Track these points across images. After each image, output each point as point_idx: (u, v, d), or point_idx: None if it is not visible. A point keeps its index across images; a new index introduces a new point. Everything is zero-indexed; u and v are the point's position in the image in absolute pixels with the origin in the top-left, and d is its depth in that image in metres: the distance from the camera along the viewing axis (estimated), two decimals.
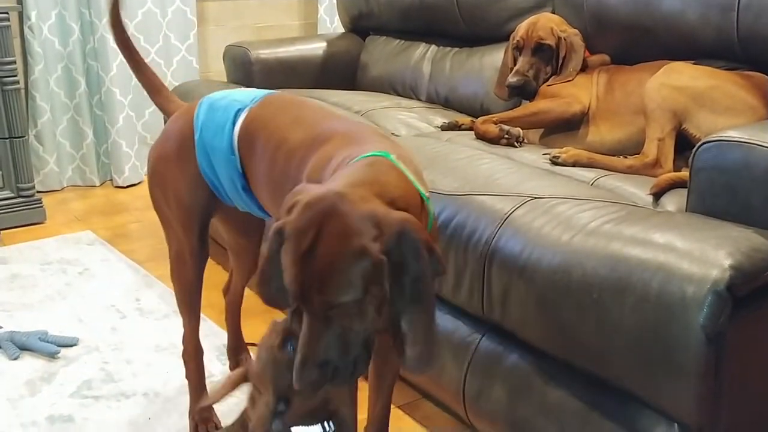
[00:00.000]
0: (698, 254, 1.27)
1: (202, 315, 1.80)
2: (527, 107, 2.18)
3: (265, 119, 1.45)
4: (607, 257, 1.36)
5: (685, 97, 1.80)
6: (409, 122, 2.49)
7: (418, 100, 2.90)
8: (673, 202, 1.62)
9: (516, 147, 2.07)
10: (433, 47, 2.96)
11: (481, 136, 2.13)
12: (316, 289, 1.04)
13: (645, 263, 1.31)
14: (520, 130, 2.09)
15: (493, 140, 2.09)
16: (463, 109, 2.70)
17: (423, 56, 2.96)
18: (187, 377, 1.81)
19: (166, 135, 1.61)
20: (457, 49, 2.86)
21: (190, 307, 1.75)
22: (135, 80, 3.60)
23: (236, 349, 2.04)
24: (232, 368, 1.97)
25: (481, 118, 2.19)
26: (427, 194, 1.22)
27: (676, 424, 1.30)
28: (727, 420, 1.30)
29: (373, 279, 1.04)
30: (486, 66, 2.70)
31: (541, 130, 2.18)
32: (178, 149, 1.57)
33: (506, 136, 2.07)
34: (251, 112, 1.48)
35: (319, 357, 1.06)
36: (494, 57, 2.69)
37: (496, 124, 2.12)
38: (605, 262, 1.36)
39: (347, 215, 1.05)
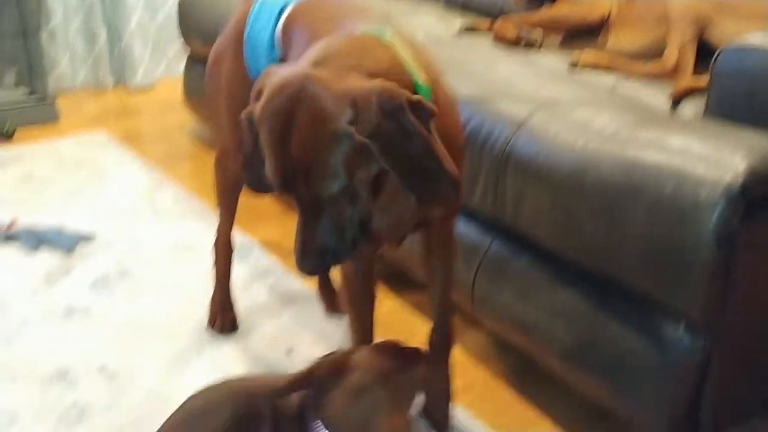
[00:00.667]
0: (713, 158, 1.27)
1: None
2: (548, 11, 2.14)
3: (303, 15, 1.43)
4: (622, 162, 1.36)
5: (708, 4, 1.77)
6: (427, 26, 2.44)
7: (437, 2, 2.84)
8: (692, 108, 1.61)
9: (533, 49, 2.03)
10: None
11: (500, 39, 2.10)
12: (300, 181, 1.02)
13: (660, 167, 1.31)
14: (540, 33, 2.06)
15: (511, 43, 2.06)
16: (481, 13, 2.64)
17: None
18: (214, 267, 1.86)
19: (225, 29, 1.64)
20: None
21: (228, 202, 1.78)
22: None
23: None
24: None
25: (500, 20, 2.16)
26: (425, 83, 1.12)
27: (683, 324, 1.33)
28: (734, 320, 1.33)
29: (357, 163, 1.01)
30: None
31: (561, 35, 2.14)
32: (230, 44, 1.58)
33: (524, 38, 2.04)
34: (293, 9, 1.47)
35: (317, 244, 1.05)
36: None
37: (515, 26, 2.09)
38: (620, 167, 1.36)
39: (318, 98, 0.99)
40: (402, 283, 2.07)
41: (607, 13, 2.06)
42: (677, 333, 1.32)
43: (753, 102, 1.38)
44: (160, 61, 3.73)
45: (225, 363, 1.73)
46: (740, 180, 1.22)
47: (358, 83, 1.01)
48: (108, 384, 1.66)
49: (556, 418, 1.60)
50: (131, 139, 3.07)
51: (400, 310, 1.98)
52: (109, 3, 3.55)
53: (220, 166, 1.73)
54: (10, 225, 2.22)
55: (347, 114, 0.99)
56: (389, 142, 1.01)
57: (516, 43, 2.05)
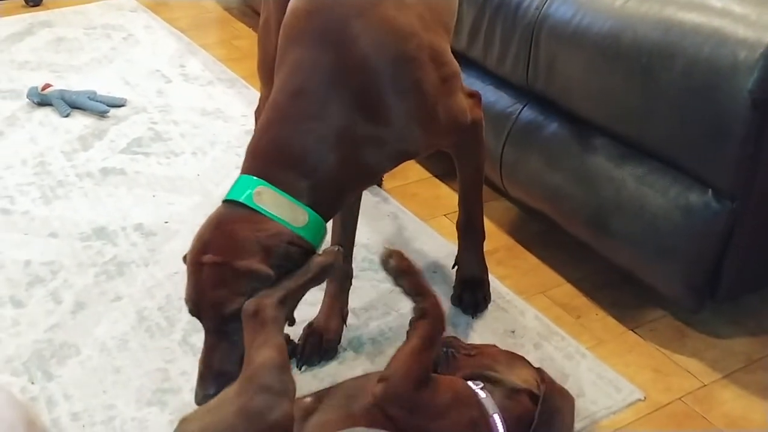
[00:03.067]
0: (754, 18, 1.23)
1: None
2: None
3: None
4: (660, 22, 1.33)
5: None
6: None
7: None
8: None
9: None
10: None
11: None
12: (206, 307, 1.10)
13: (698, 27, 1.27)
14: None
15: None
16: None
17: None
18: None
19: None
20: None
21: (268, 74, 1.77)
22: None
23: None
24: None
25: None
26: (301, 223, 1.14)
27: (710, 190, 1.33)
28: (762, 189, 1.33)
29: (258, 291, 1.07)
30: None
31: None
32: None
33: None
34: None
35: (215, 370, 1.11)
36: None
37: None
38: (657, 27, 1.33)
39: (228, 235, 1.10)
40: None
41: None
42: (704, 198, 1.33)
43: None
44: None
45: None
46: None
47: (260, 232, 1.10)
48: (145, 241, 1.71)
49: (578, 282, 1.63)
50: (160, 5, 3.04)
51: (427, 180, 2.00)
52: None
53: (262, 38, 1.72)
54: (44, 87, 2.24)
55: (255, 250, 1.08)
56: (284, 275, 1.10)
57: None
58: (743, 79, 1.21)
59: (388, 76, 1.15)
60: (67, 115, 2.19)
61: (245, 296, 1.06)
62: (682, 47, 1.29)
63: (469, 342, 1.35)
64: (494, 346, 1.24)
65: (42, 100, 2.23)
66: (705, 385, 1.39)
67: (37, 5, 2.98)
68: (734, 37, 1.23)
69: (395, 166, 1.28)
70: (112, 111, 2.22)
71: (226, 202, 1.15)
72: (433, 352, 1.09)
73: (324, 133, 1.14)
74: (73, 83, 2.36)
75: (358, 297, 1.54)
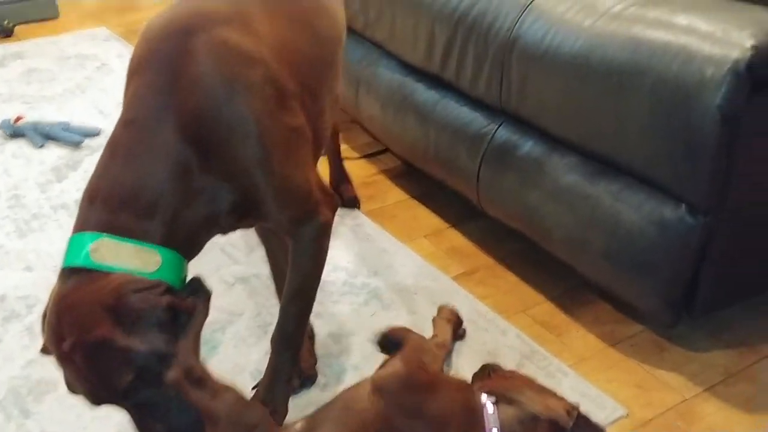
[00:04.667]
0: (720, 35, 1.25)
1: None
2: None
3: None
4: (629, 41, 1.35)
5: None
6: None
7: None
8: None
9: None
10: None
11: None
12: (100, 392, 1.00)
13: (666, 45, 1.29)
14: None
15: None
16: None
17: None
18: None
19: None
20: None
21: None
22: None
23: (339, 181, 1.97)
24: None
25: None
26: (152, 267, 1.01)
27: (684, 205, 1.34)
28: (734, 201, 1.34)
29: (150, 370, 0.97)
30: None
31: None
32: None
33: None
34: None
35: None
36: None
37: None
38: (626, 46, 1.35)
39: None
40: (408, 174, 2.08)
41: None
42: (678, 214, 1.34)
43: None
44: None
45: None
46: (747, 57, 1.21)
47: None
48: None
49: (558, 299, 1.64)
50: (133, 34, 3.03)
51: (405, 202, 2.00)
52: None
53: None
54: (16, 120, 2.22)
55: (102, 319, 0.96)
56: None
57: None
58: (712, 95, 1.22)
59: (222, 100, 1.04)
60: (41, 147, 2.17)
61: (132, 360, 0.96)
62: (651, 65, 1.30)
63: (452, 365, 1.35)
64: (533, 379, 1.21)
65: (15, 131, 2.22)
66: (686, 400, 1.40)
67: (9, 36, 2.96)
68: (701, 54, 1.25)
69: (237, 217, 1.12)
70: (87, 141, 2.21)
71: (63, 271, 1.02)
72: (426, 355, 1.10)
73: (156, 165, 1.02)
74: (47, 114, 2.34)
75: (338, 322, 1.54)
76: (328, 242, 1.22)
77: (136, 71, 1.08)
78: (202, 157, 1.04)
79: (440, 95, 1.83)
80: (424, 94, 1.87)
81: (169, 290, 0.99)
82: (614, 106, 1.37)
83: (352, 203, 1.94)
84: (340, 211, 1.91)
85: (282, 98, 1.10)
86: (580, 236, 1.50)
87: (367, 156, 2.19)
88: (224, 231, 1.13)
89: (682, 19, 1.32)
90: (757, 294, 1.56)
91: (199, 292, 1.04)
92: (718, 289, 1.44)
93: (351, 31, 2.09)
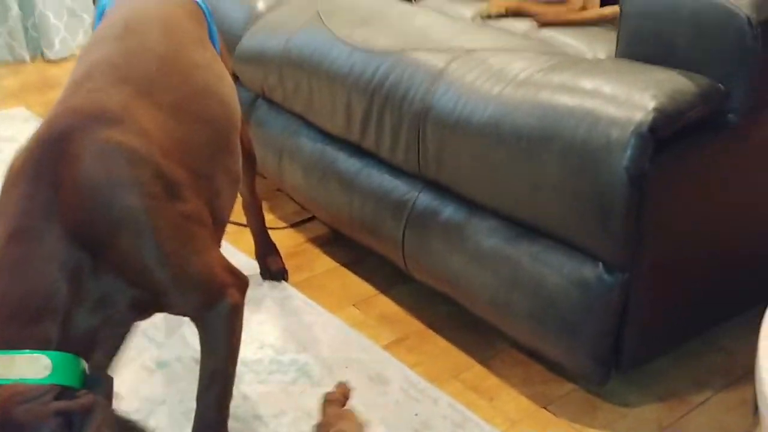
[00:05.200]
0: (623, 98, 1.29)
1: None
2: None
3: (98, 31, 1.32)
4: (536, 106, 1.38)
5: None
6: None
7: None
8: (604, 48, 1.63)
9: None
10: None
11: None
12: None
13: (572, 110, 1.32)
14: None
15: None
16: None
17: None
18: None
19: None
20: None
21: None
22: None
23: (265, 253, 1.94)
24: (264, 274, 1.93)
25: None
26: (44, 373, 0.95)
27: (601, 264, 1.36)
28: (651, 258, 1.37)
29: None
30: None
31: None
32: None
33: None
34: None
35: None
36: None
37: None
38: (534, 112, 1.37)
39: None
40: (336, 241, 2.07)
41: None
42: (596, 273, 1.36)
43: (660, 41, 1.40)
44: (77, 31, 3.61)
45: None
46: (649, 119, 1.25)
47: None
48: None
49: (489, 362, 1.63)
50: None
51: (334, 270, 1.98)
52: None
53: None
54: None
55: None
56: None
57: None
58: (618, 157, 1.25)
59: (110, 201, 1.02)
60: None
61: None
62: (559, 130, 1.33)
63: None
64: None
65: None
66: None
67: None
68: (606, 117, 1.28)
69: (141, 310, 1.09)
70: None
71: None
72: None
73: (44, 272, 0.98)
74: None
75: (267, 403, 1.50)
76: (241, 324, 1.20)
77: (14, 183, 1.03)
78: (95, 258, 1.01)
79: (362, 163, 1.84)
80: (345, 162, 1.87)
81: (63, 394, 0.94)
82: (526, 170, 1.39)
83: (280, 275, 1.92)
84: (267, 285, 1.90)
85: (173, 190, 1.09)
86: (505, 299, 1.50)
87: (294, 225, 2.18)
88: (127, 326, 1.10)
89: (586, 83, 1.36)
90: (681, 343, 1.59)
91: (96, 386, 0.99)
92: (642, 342, 1.45)
93: (271, 102, 2.10)
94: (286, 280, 1.92)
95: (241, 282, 1.19)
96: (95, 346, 1.04)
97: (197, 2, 1.46)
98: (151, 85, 1.16)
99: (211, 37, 1.46)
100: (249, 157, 1.76)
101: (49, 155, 1.02)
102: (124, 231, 1.02)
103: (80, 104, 1.09)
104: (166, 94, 1.17)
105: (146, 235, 1.04)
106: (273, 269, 1.92)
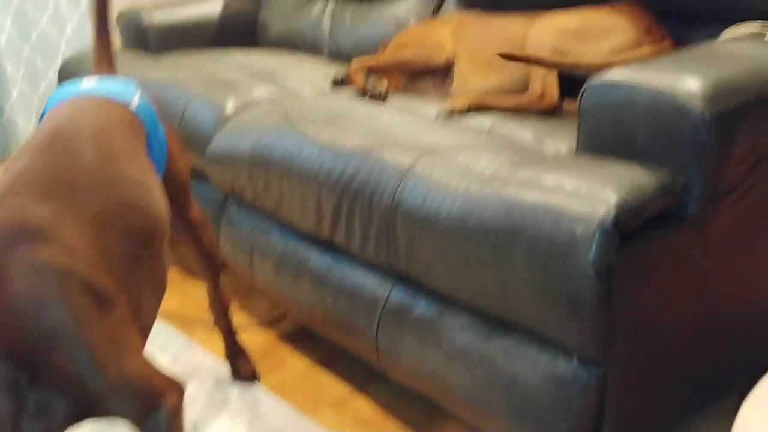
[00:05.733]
0: (585, 193, 1.31)
1: None
2: (397, 55, 2.20)
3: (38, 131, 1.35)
4: (502, 202, 1.40)
5: (561, 34, 1.86)
6: (311, 80, 2.47)
7: (321, 56, 2.87)
8: (566, 144, 1.67)
9: (378, 101, 2.05)
10: (333, 2, 2.93)
11: (353, 85, 2.16)
12: None
13: (536, 206, 1.35)
14: (385, 85, 2.09)
15: (359, 92, 2.10)
16: None
17: (323, 12, 2.93)
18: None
19: None
20: (356, 3, 2.84)
21: None
22: (27, 52, 3.47)
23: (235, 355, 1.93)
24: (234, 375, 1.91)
25: (354, 62, 2.20)
26: None
27: (575, 358, 1.35)
28: (624, 350, 1.37)
29: None
30: (386, 18, 2.69)
31: (405, 78, 2.22)
32: None
33: (370, 91, 2.07)
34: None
35: None
36: (394, 9, 2.69)
37: (367, 71, 2.14)
38: (500, 208, 1.39)
39: None
40: (309, 339, 2.05)
41: (452, 57, 2.13)
42: (571, 367, 1.35)
43: (619, 136, 1.43)
44: None
45: None
46: (612, 213, 1.27)
47: None
48: None
49: None
50: None
51: (308, 370, 1.95)
52: None
53: None
54: None
55: None
56: None
57: (363, 94, 2.09)
58: (584, 252, 1.27)
59: (40, 318, 1.03)
60: None
61: None
62: (525, 225, 1.35)
63: None
64: None
65: None
66: None
67: None
68: (570, 212, 1.30)
69: (79, 418, 1.10)
70: None
71: None
72: None
73: None
74: None
75: None
76: (182, 427, 1.19)
77: None
78: (31, 373, 1.02)
79: (333, 260, 1.84)
80: (317, 259, 1.87)
81: None
82: (495, 265, 1.40)
83: (251, 377, 1.89)
84: (238, 387, 1.87)
85: (101, 301, 1.11)
86: (482, 397, 1.49)
87: (267, 323, 2.15)
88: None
89: (549, 179, 1.38)
90: None
91: None
92: None
93: (241, 202, 2.11)
94: (258, 381, 1.89)
95: (177, 385, 1.20)
96: None
97: (136, 112, 1.48)
98: (76, 199, 1.18)
99: (150, 145, 1.48)
100: (211, 259, 1.80)
101: None
102: (57, 346, 1.04)
103: (5, 219, 1.10)
104: (91, 208, 1.19)
105: (79, 348, 1.05)
106: (243, 371, 1.89)
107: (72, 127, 1.32)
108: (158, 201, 1.38)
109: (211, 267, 1.80)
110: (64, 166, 1.22)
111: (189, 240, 1.75)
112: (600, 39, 1.85)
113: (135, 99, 1.50)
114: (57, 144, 1.27)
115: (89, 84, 1.49)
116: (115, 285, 1.16)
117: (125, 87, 1.52)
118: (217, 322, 1.90)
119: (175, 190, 1.61)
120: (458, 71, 2.11)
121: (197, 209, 1.75)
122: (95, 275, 1.11)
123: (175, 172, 1.61)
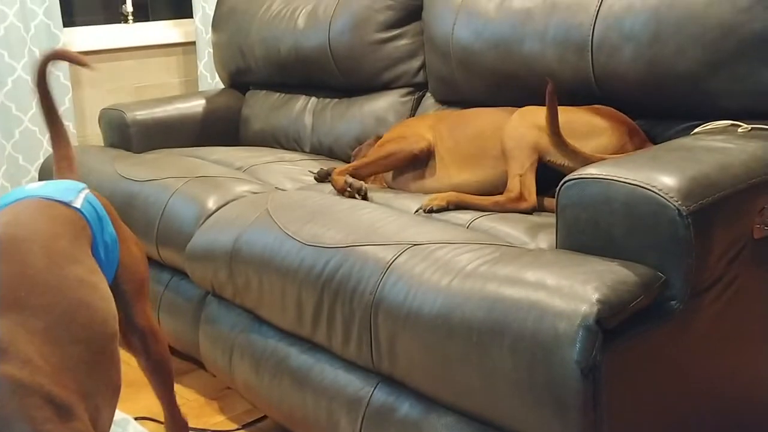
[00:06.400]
0: (567, 290, 1.31)
1: None
2: (378, 151, 2.22)
3: None
4: (484, 299, 1.39)
5: (543, 132, 1.88)
6: (293, 175, 2.49)
7: (303, 152, 2.91)
8: (545, 238, 1.67)
9: (358, 199, 2.04)
10: (314, 99, 2.98)
11: (334, 187, 2.13)
12: None
13: (519, 302, 1.34)
14: (363, 184, 2.08)
15: (339, 192, 2.09)
16: (346, 158, 2.72)
17: (304, 108, 2.98)
18: None
19: None
20: (336, 99, 2.89)
21: None
22: (9, 149, 3.47)
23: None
24: None
25: (337, 169, 2.20)
26: None
27: None
28: None
29: None
30: (366, 114, 2.74)
31: (390, 173, 2.24)
32: None
33: (348, 188, 2.07)
34: None
35: None
36: (374, 105, 2.74)
37: (351, 172, 2.14)
38: (482, 304, 1.38)
39: None
40: None
41: (432, 145, 2.16)
42: None
43: (597, 231, 1.44)
44: None
45: None
46: (594, 310, 1.26)
47: None
48: None
49: None
50: None
51: None
52: None
53: None
54: None
55: None
56: None
57: (342, 191, 2.08)
58: (568, 350, 1.25)
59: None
60: None
61: None
62: (507, 323, 1.34)
63: None
64: None
65: None
66: None
67: None
68: (552, 309, 1.30)
69: None
70: None
71: None
72: None
73: None
74: None
75: None
76: None
77: None
78: None
79: (314, 359, 1.81)
80: (298, 358, 1.84)
81: None
82: (479, 363, 1.38)
83: None
84: None
85: (62, 411, 1.09)
86: None
87: (246, 426, 2.10)
88: None
89: (530, 275, 1.38)
90: None
91: None
92: None
93: (221, 299, 2.09)
94: None
95: None
96: None
97: (79, 210, 1.46)
98: (28, 310, 1.17)
99: (96, 245, 1.46)
100: (163, 373, 1.69)
101: None
102: None
103: None
104: (43, 316, 1.18)
105: None
106: None
107: (16, 233, 1.30)
108: (107, 301, 1.35)
109: (164, 379, 1.69)
110: (11, 277, 1.21)
111: (139, 350, 1.65)
112: (584, 138, 1.87)
113: (79, 198, 1.49)
114: (3, 252, 1.25)
115: (34, 187, 1.49)
116: (73, 393, 1.14)
117: (69, 187, 1.51)
118: None
119: (128, 292, 1.57)
120: (437, 163, 2.14)
121: (148, 316, 1.65)
122: (53, 386, 1.10)
123: (128, 273, 1.58)
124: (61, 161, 1.69)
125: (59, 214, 1.42)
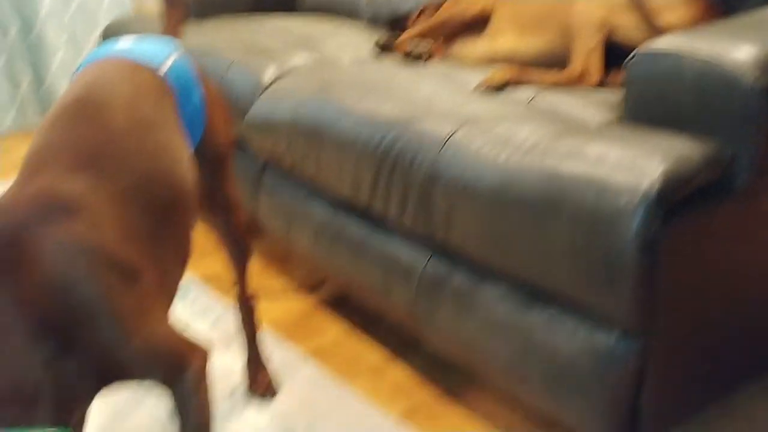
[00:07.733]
0: (630, 165, 1.29)
1: None
2: (436, 17, 2.20)
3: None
4: (543, 173, 1.38)
5: (611, 7, 1.80)
6: (351, 46, 2.45)
7: (359, 21, 2.85)
8: (609, 114, 1.63)
9: (422, 61, 2.06)
10: None
11: (400, 53, 2.17)
12: None
13: (578, 177, 1.32)
14: (427, 45, 2.08)
15: (404, 56, 2.12)
16: (405, 28, 2.65)
17: None
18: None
19: None
20: None
21: None
22: (68, 17, 3.50)
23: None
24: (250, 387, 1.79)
25: (404, 34, 2.20)
26: None
27: (616, 331, 1.34)
28: (666, 324, 1.35)
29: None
30: None
31: (447, 39, 2.21)
32: None
33: (412, 52, 2.07)
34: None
35: None
36: None
37: (413, 38, 2.14)
38: (541, 178, 1.37)
39: None
40: (347, 305, 2.06)
41: (488, 8, 2.10)
42: (611, 340, 1.34)
43: (665, 106, 1.40)
44: None
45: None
46: (657, 186, 1.24)
47: None
48: None
49: (508, 431, 1.60)
50: None
51: (347, 334, 1.97)
52: (30, 44, 3.48)
53: None
54: None
55: None
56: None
57: (407, 56, 2.10)
58: (627, 224, 1.25)
59: (72, 294, 1.06)
60: None
61: None
62: (566, 197, 1.33)
63: None
64: None
65: None
66: None
67: None
68: (613, 184, 1.28)
69: (108, 382, 1.14)
70: None
71: None
72: None
73: (24, 364, 1.02)
74: None
75: None
76: (206, 390, 1.22)
77: None
78: (63, 343, 1.05)
79: (370, 229, 1.84)
80: (354, 228, 1.88)
81: None
82: (536, 235, 1.39)
83: (268, 393, 1.75)
84: (277, 353, 1.89)
85: (128, 275, 1.13)
86: (519, 367, 1.48)
87: (305, 289, 2.17)
88: (93, 397, 1.13)
89: (592, 150, 1.36)
90: (701, 411, 1.55)
91: None
92: (660, 411, 1.42)
93: (280, 169, 2.12)
94: (273, 396, 1.76)
95: (202, 350, 1.22)
96: (74, 417, 1.08)
97: (165, 76, 1.43)
98: (103, 173, 1.18)
99: (182, 110, 1.44)
100: (241, 246, 1.69)
101: (5, 257, 1.04)
102: (88, 319, 1.06)
103: (36, 195, 1.10)
104: (118, 181, 1.19)
105: (108, 320, 1.07)
106: (261, 386, 1.77)
107: (100, 95, 1.30)
108: (185, 171, 1.35)
109: (239, 255, 1.69)
110: (90, 138, 1.22)
111: (219, 221, 1.64)
112: (658, 14, 1.79)
113: (167, 62, 1.45)
114: (83, 114, 1.26)
115: (125, 44, 1.46)
116: (140, 258, 1.17)
117: (160, 48, 1.48)
118: (242, 323, 1.77)
119: (212, 160, 1.55)
120: (494, 26, 2.08)
121: (233, 188, 1.62)
122: (121, 250, 1.13)
123: (214, 141, 1.55)
124: (169, 19, 1.68)
125: (144, 78, 1.39)
